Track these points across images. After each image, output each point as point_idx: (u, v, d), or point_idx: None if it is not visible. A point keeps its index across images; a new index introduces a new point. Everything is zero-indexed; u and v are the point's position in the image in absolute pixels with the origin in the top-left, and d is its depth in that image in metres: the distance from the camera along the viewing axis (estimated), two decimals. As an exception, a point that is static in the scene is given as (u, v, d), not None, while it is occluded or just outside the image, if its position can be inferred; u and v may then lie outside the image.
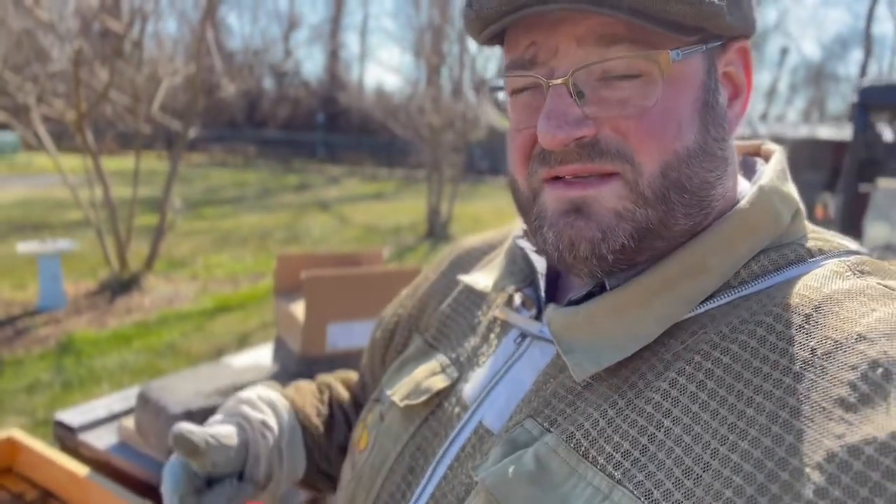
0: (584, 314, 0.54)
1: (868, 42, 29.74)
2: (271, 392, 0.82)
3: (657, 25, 0.47)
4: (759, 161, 0.63)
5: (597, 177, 0.51)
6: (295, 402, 0.83)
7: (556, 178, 0.53)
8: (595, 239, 0.51)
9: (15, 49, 6.11)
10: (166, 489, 0.70)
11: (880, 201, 4.29)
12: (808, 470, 0.39)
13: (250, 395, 0.79)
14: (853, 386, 0.41)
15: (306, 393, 0.86)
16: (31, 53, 6.19)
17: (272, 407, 0.79)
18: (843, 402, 0.41)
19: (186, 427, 0.69)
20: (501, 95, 0.58)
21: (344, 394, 0.90)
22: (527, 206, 0.56)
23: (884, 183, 4.42)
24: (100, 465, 1.45)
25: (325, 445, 0.83)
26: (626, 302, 0.53)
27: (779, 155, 0.60)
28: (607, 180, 0.51)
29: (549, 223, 0.53)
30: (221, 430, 0.73)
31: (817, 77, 35.55)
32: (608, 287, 0.54)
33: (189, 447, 0.69)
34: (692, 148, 0.51)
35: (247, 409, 0.77)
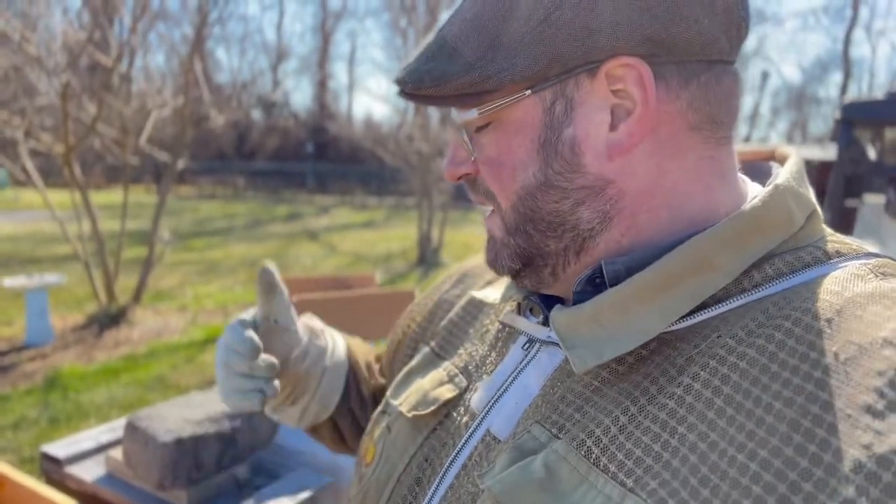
0: (588, 311, 0.53)
1: (847, 64, 30.38)
2: (335, 332, 0.90)
3: (438, 103, 0.54)
4: (775, 165, 0.62)
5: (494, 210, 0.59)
6: (350, 343, 0.91)
7: None
8: (491, 260, 0.60)
9: (2, 84, 6.12)
10: (233, 330, 0.76)
11: (867, 216, 4.33)
12: (833, 481, 0.38)
13: (317, 322, 0.87)
14: (880, 392, 0.40)
15: (361, 343, 0.95)
16: (19, 88, 6.20)
17: (332, 338, 0.87)
18: (869, 410, 0.39)
19: (275, 268, 0.79)
20: None
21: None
22: None
23: (870, 198, 4.47)
24: (87, 497, 1.41)
25: (364, 390, 0.88)
26: (629, 298, 0.52)
27: (795, 157, 0.59)
28: (493, 214, 0.59)
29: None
30: (294, 313, 0.82)
31: (799, 100, 36.18)
32: (606, 275, 0.54)
33: (271, 281, 0.78)
34: (530, 184, 0.54)
35: (310, 321, 0.86)
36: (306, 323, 0.85)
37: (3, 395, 4.43)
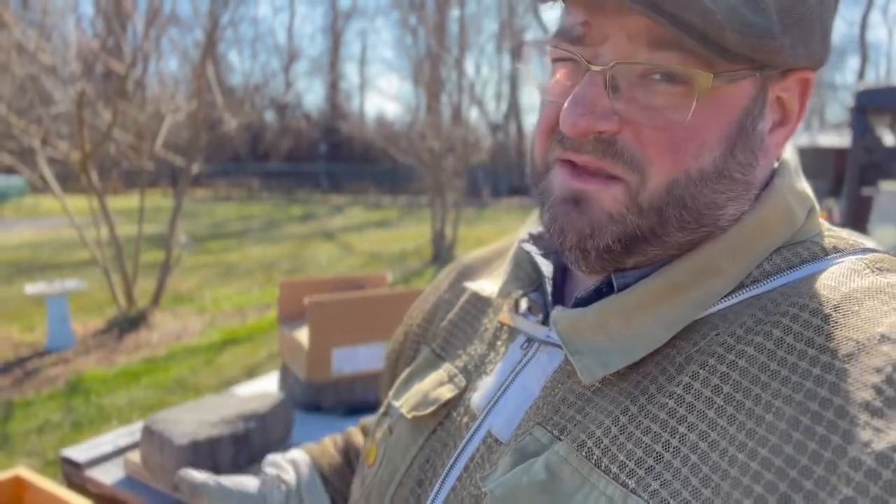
0: (592, 315, 0.52)
1: (863, 49, 29.92)
2: (295, 451, 0.85)
3: (707, 48, 0.45)
4: None
5: (603, 176, 0.50)
6: (313, 453, 0.86)
7: (568, 161, 0.52)
8: (583, 232, 0.51)
9: (19, 93, 6.21)
10: None
11: (884, 204, 4.28)
12: (833, 479, 0.38)
13: (275, 457, 0.83)
14: (878, 389, 0.40)
15: (326, 444, 0.89)
16: (35, 97, 6.29)
17: (293, 462, 0.82)
18: (868, 407, 0.39)
19: (189, 470, 0.76)
20: (539, 56, 0.57)
21: (360, 438, 0.90)
22: (537, 178, 0.56)
23: (886, 186, 4.41)
24: (106, 500, 1.44)
25: (345, 490, 0.83)
26: (635, 304, 0.51)
27: (790, 154, 0.59)
28: (611, 183, 0.50)
29: (549, 204, 0.53)
30: (240, 479, 0.78)
31: (815, 86, 35.62)
32: (616, 287, 0.53)
33: (189, 487, 0.75)
34: (707, 170, 0.49)
35: (266, 468, 0.81)
36: (263, 476, 0.81)
37: (26, 399, 4.51)
